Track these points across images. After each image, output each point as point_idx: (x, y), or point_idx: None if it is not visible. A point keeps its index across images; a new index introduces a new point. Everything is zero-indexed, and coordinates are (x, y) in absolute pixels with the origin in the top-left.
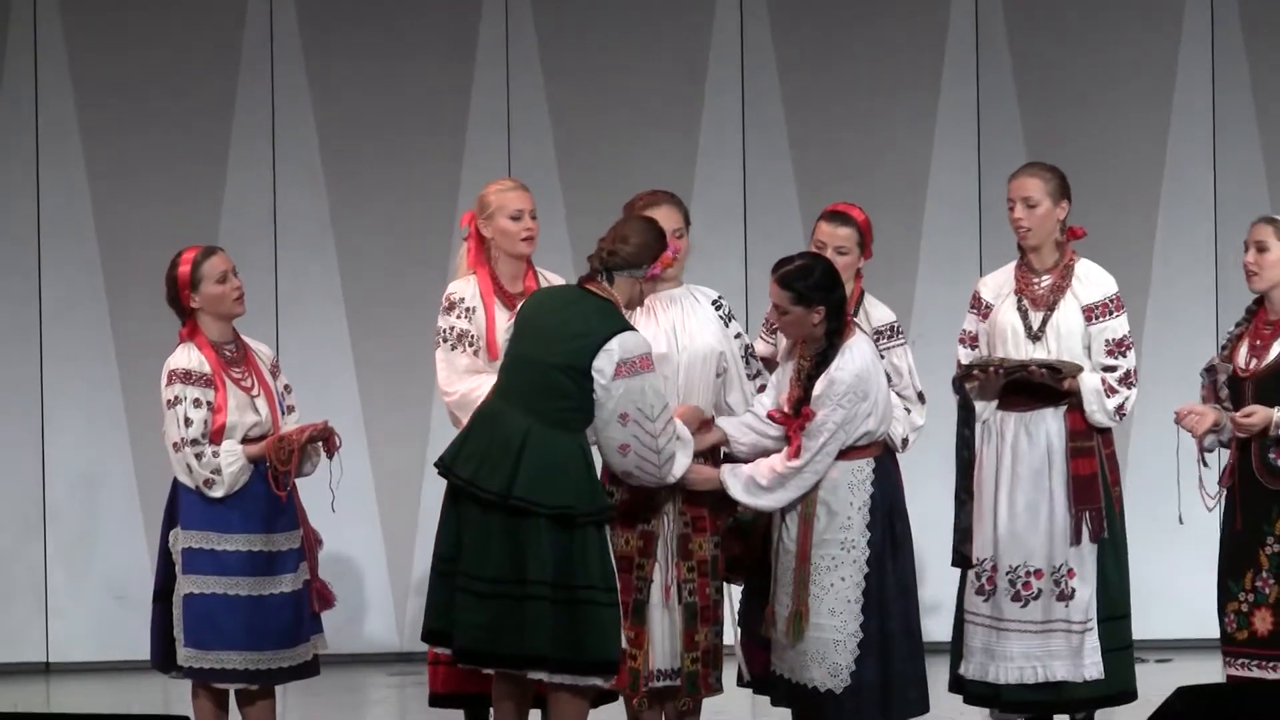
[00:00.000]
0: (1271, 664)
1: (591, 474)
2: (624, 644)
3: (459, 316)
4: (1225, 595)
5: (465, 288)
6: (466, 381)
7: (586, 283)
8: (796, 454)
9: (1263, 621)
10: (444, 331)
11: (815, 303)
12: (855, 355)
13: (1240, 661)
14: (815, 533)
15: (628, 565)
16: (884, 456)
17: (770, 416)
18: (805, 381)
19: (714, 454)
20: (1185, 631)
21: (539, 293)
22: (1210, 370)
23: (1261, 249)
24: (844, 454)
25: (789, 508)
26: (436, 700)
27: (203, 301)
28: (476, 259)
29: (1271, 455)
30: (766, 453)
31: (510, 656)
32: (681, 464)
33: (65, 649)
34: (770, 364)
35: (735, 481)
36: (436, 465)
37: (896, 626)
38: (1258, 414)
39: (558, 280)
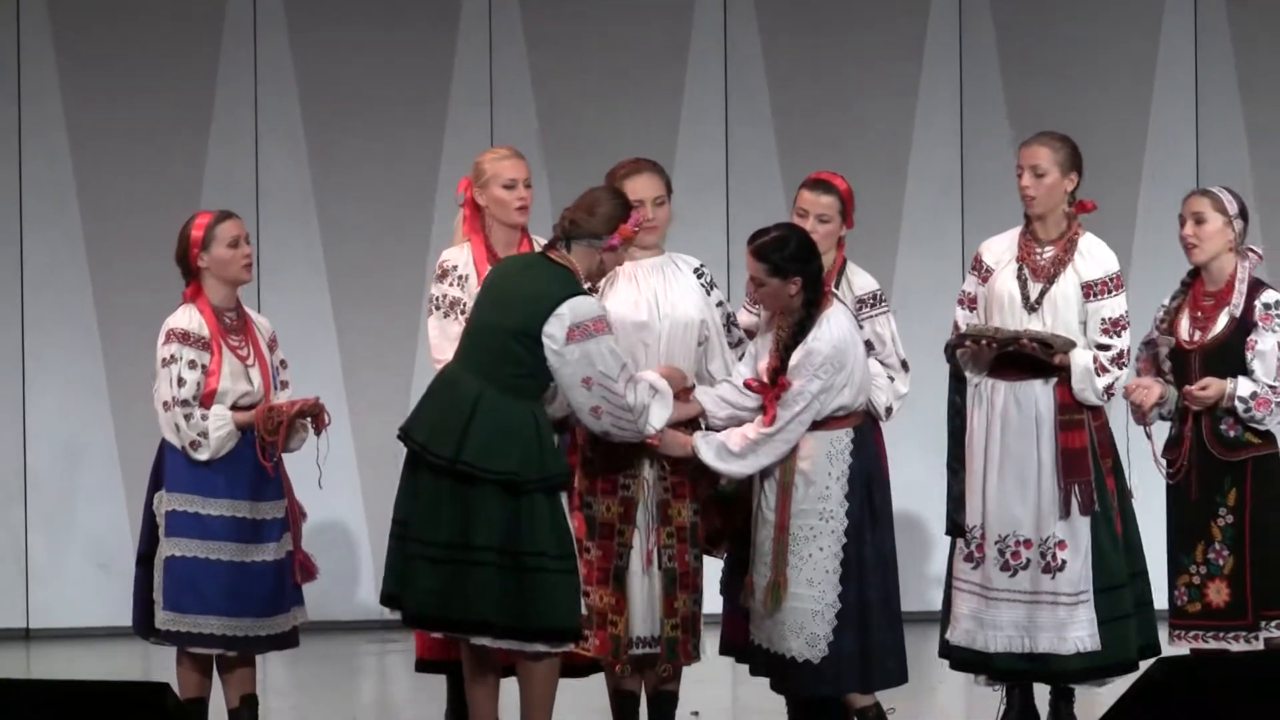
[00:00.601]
0: (1230, 635)
1: (543, 441)
2: (584, 610)
3: (451, 284)
4: (1176, 568)
5: (459, 255)
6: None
7: (549, 250)
8: (771, 422)
9: (1217, 593)
10: (436, 299)
11: (792, 274)
12: (833, 326)
13: (1192, 634)
14: (793, 503)
15: (609, 531)
16: (864, 426)
17: (747, 385)
18: (783, 352)
19: (693, 426)
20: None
21: (503, 260)
22: (1150, 344)
23: (1199, 221)
24: (822, 424)
25: (767, 477)
26: (423, 665)
27: (210, 262)
28: (471, 226)
29: (1223, 427)
30: (742, 424)
31: (458, 621)
32: (659, 414)
33: (45, 615)
34: (754, 335)
35: (707, 447)
36: (399, 431)
37: (875, 597)
38: (1212, 386)
39: None
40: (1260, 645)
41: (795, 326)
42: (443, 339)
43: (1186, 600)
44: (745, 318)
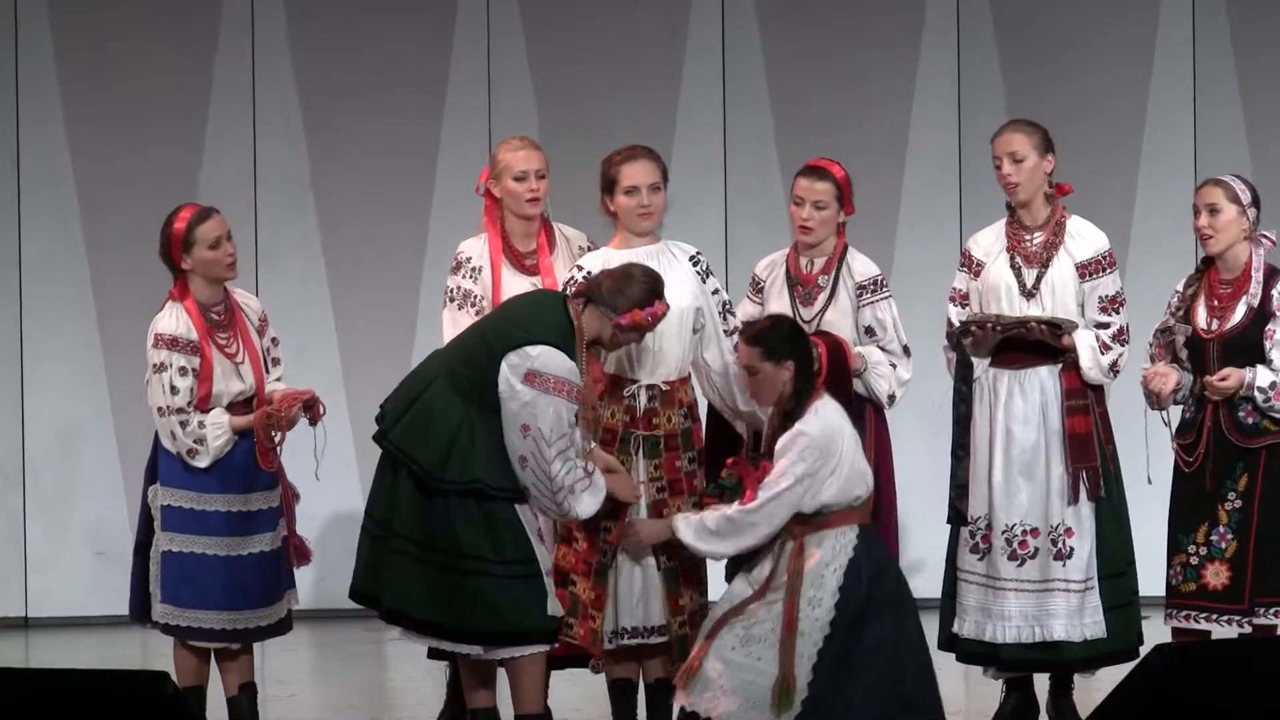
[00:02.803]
0: (1224, 618)
1: (472, 447)
2: (558, 611)
3: (465, 276)
4: (1174, 548)
5: (475, 246)
6: None
7: (571, 300)
8: (751, 501)
9: (1215, 576)
10: (451, 291)
11: (784, 357)
12: (823, 415)
13: (1184, 614)
14: (801, 600)
15: (594, 526)
16: (869, 527)
17: (728, 465)
18: (769, 441)
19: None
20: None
21: (539, 290)
22: (1165, 331)
23: (1214, 211)
24: (825, 522)
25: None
26: (433, 652)
27: (194, 264)
28: (489, 218)
29: (1241, 414)
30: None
31: (377, 600)
32: (587, 506)
33: (44, 603)
34: None
35: (686, 527)
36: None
37: (861, 687)
38: (1232, 376)
39: (574, 235)
40: (1248, 629)
41: (785, 415)
42: (455, 330)
43: (1181, 580)
44: (748, 308)
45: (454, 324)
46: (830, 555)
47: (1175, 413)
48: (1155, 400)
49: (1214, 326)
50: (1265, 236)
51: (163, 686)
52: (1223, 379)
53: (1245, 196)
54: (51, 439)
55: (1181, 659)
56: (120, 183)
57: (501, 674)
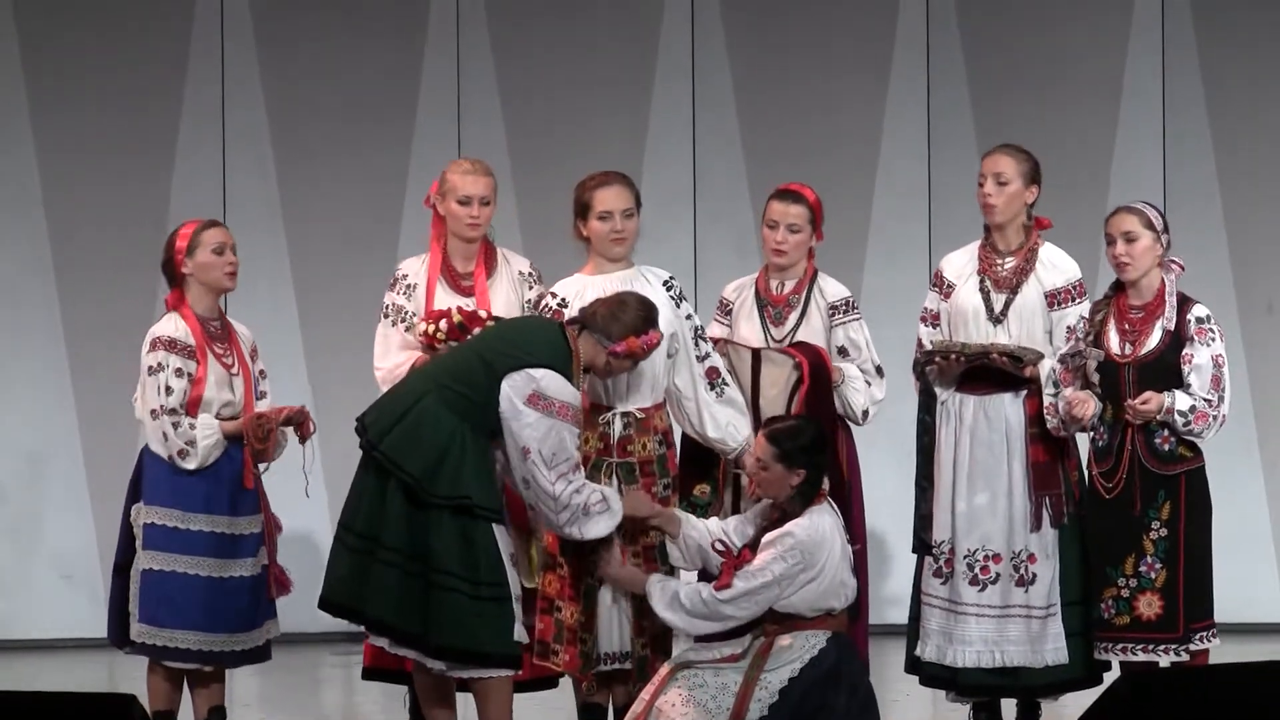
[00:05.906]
0: (1161, 648)
1: (462, 463)
2: (523, 638)
3: (400, 293)
4: (1102, 581)
5: (414, 264)
6: (395, 357)
7: (568, 325)
8: (725, 587)
9: (1149, 606)
10: (386, 307)
11: (798, 465)
12: (816, 521)
13: (1120, 646)
14: (759, 677)
15: (579, 547)
16: (843, 636)
17: (713, 546)
18: (759, 533)
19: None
20: None
21: (529, 315)
22: (1075, 356)
23: (1130, 239)
24: (798, 624)
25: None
26: (367, 674)
27: (194, 269)
28: (434, 235)
29: (1158, 440)
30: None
31: (358, 613)
32: (598, 529)
33: (10, 626)
34: (718, 343)
35: (660, 594)
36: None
37: None
38: (1152, 400)
39: (520, 262)
40: (1186, 658)
41: (781, 514)
42: (384, 347)
43: (1114, 613)
44: (715, 330)
45: (385, 339)
46: (799, 648)
47: (1082, 440)
48: (1073, 426)
49: (1128, 351)
50: (1175, 262)
51: (130, 710)
52: (1144, 402)
53: (1158, 223)
54: (19, 463)
55: (1150, 686)
56: (90, 209)
57: (467, 697)
